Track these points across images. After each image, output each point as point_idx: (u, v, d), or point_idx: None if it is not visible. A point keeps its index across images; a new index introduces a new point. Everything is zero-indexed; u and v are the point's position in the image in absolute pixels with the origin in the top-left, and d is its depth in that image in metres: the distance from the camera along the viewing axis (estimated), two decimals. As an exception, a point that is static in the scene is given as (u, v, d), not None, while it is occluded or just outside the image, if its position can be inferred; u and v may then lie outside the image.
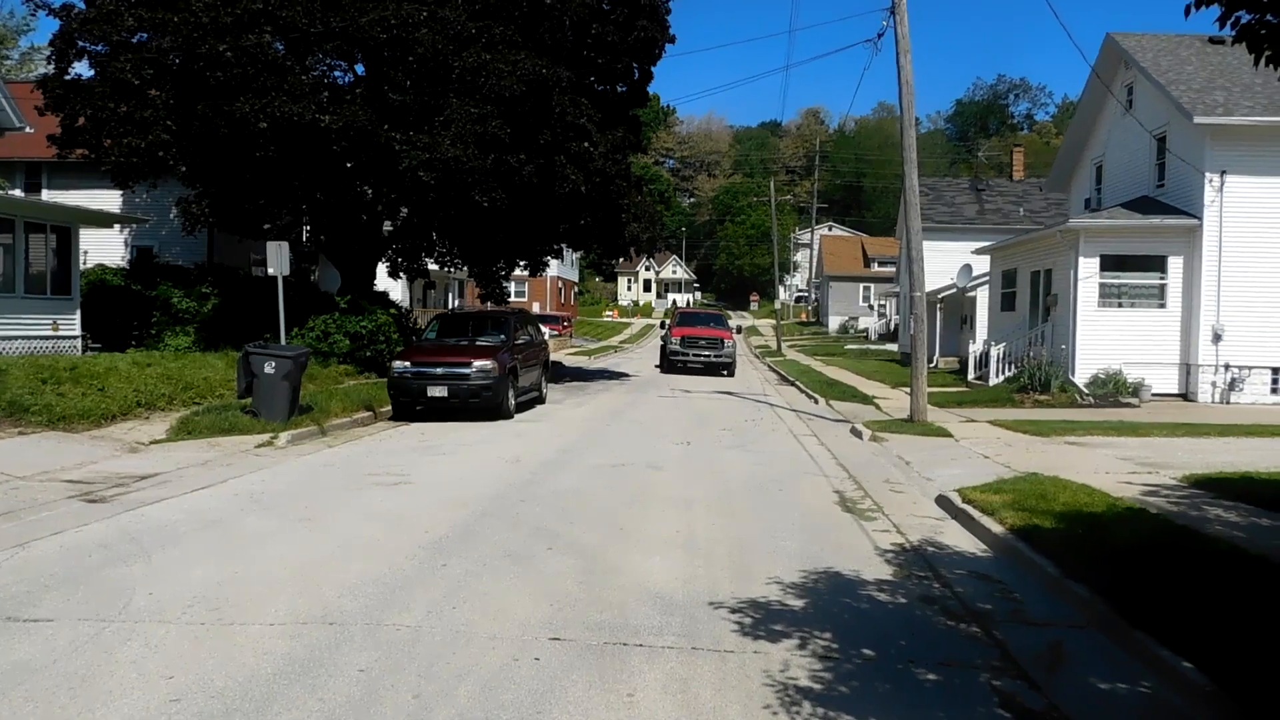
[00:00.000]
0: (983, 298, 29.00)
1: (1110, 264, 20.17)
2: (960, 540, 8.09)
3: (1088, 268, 20.03)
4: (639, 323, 77.40)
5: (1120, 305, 20.27)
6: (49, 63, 20.70)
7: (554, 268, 53.23)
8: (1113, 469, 11.00)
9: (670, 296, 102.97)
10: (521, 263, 26.86)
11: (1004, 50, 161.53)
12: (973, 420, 16.54)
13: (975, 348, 25.48)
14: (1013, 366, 22.34)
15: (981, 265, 28.41)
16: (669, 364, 30.25)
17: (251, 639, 5.22)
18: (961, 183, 42.10)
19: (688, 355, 29.62)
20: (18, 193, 25.87)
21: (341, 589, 6.15)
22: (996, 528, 7.94)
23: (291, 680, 4.65)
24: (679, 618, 5.75)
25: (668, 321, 35.17)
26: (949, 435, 14.53)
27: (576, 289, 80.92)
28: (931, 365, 24.81)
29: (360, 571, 6.60)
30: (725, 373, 29.02)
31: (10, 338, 17.68)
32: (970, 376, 24.50)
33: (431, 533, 7.85)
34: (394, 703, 4.41)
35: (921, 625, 5.81)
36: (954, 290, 30.19)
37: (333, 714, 4.27)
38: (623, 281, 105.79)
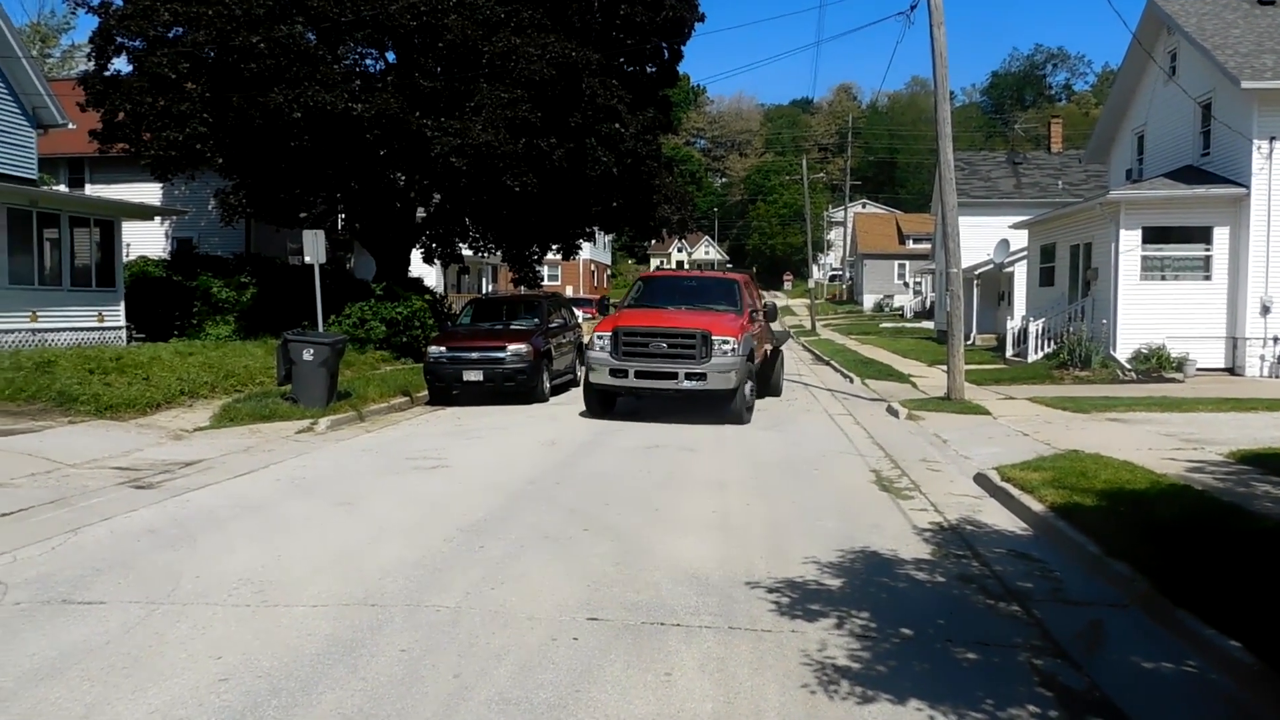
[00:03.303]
0: (1020, 273, 28.63)
1: (1153, 236, 19.81)
2: (999, 519, 8.03)
3: (1129, 240, 19.69)
4: (673, 304, 77.21)
5: (1163, 278, 19.91)
6: (89, 59, 21.03)
7: (586, 251, 53.24)
8: (1156, 445, 10.85)
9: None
10: (554, 246, 26.89)
11: (1041, 19, 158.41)
12: (1011, 398, 16.37)
13: (1013, 324, 25.18)
14: (1052, 343, 22.05)
15: (1019, 240, 28.03)
16: (596, 399, 14.51)
17: (295, 620, 5.32)
18: (998, 156, 41.49)
19: (627, 376, 13.74)
20: (62, 188, 26.37)
21: (382, 571, 6.24)
22: (1036, 506, 7.88)
23: (335, 660, 4.74)
24: (715, 598, 5.78)
25: (612, 303, 20.14)
26: (987, 413, 14.40)
27: (609, 272, 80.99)
28: (968, 342, 24.59)
29: (400, 554, 6.69)
30: (726, 414, 13.70)
31: (58, 330, 18.06)
32: (1008, 353, 24.23)
33: (469, 515, 7.93)
34: (435, 682, 4.48)
35: (960, 604, 5.78)
36: (991, 266, 29.83)
37: (375, 693, 4.35)
38: (654, 264, 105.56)
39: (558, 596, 5.76)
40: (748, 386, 13.88)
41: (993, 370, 21.22)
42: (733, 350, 13.53)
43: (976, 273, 30.53)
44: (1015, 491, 8.44)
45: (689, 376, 13.40)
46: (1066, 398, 15.71)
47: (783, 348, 19.20)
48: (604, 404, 14.62)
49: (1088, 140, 30.60)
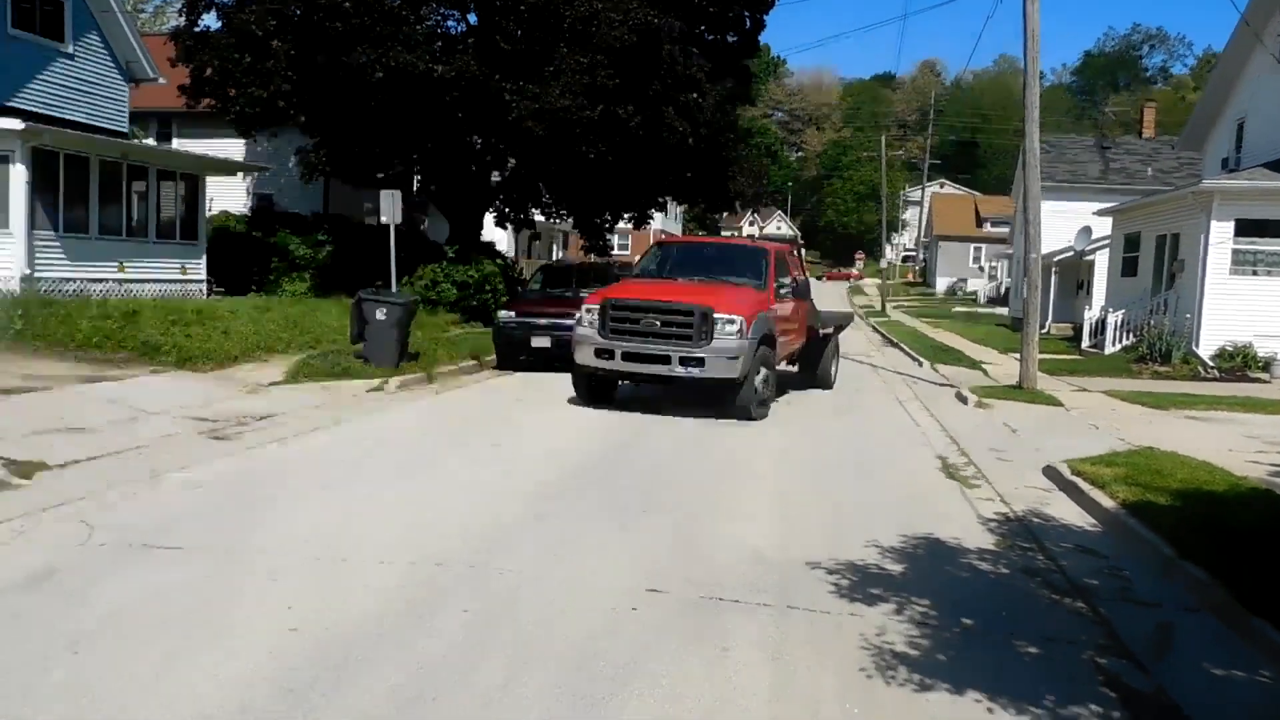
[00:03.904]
0: (1101, 262, 27.82)
1: (1247, 229, 19.06)
2: (1067, 513, 7.88)
3: (1220, 232, 18.99)
4: (741, 278, 76.74)
5: (1255, 273, 19.18)
6: (180, 15, 21.56)
7: (658, 221, 52.92)
8: (1237, 446, 10.51)
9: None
10: (626, 215, 26.87)
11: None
12: (1085, 390, 15.98)
13: (1091, 314, 24.54)
14: (1131, 335, 21.45)
15: (1102, 228, 27.22)
16: (584, 384, 12.49)
17: (363, 576, 5.46)
18: (1085, 140, 40.22)
19: (613, 358, 11.75)
20: (151, 142, 27.10)
21: (447, 533, 6.37)
22: (1107, 502, 7.70)
23: (400, 618, 4.86)
24: (775, 577, 5.78)
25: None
26: (1059, 404, 14.09)
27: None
28: (1043, 331, 24.00)
29: (465, 517, 6.81)
30: (731, 409, 11.71)
31: (143, 281, 18.63)
32: (1084, 344, 23.63)
33: (533, 482, 8.03)
34: (497, 645, 4.57)
35: (1024, 597, 5.70)
36: (1071, 254, 29.05)
37: (440, 652, 4.45)
38: (726, 236, 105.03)
39: (618, 567, 5.81)
40: (760, 376, 11.73)
41: (1067, 361, 20.73)
42: (739, 331, 11.41)
43: (1055, 259, 29.75)
44: (1085, 486, 8.26)
45: (684, 361, 11.37)
46: (1144, 392, 15.29)
47: (843, 332, 17.28)
48: (593, 390, 12.36)
49: (1182, 127, 29.47)
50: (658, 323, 11.59)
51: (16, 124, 15.91)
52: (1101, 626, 5.27)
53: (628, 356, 11.64)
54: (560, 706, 4.00)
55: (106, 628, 4.59)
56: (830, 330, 15.93)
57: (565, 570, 5.71)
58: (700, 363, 11.35)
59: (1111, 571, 6.29)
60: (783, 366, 14.62)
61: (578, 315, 12.26)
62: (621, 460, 9.15)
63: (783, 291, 13.03)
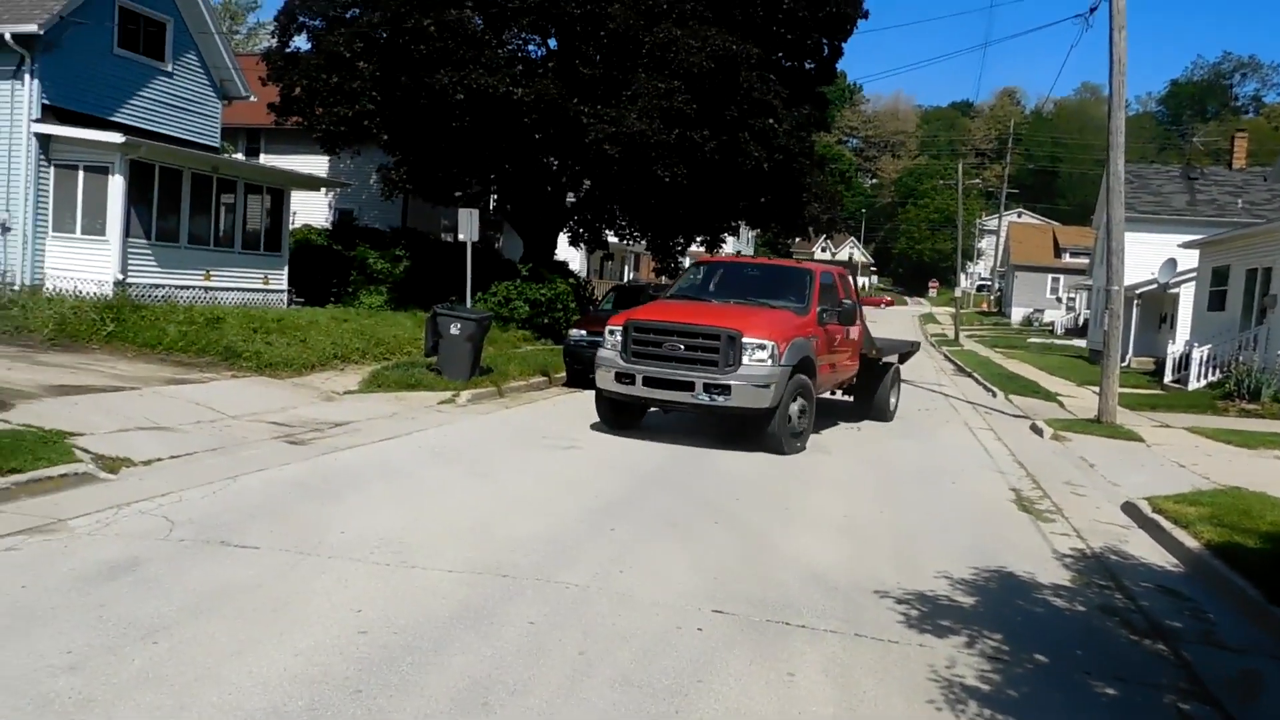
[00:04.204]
0: (1187, 295, 26.97)
1: (1342, 265, 18.32)
2: (1147, 552, 7.62)
3: (1314, 268, 18.27)
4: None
5: (1350, 311, 18.41)
6: (272, 36, 22.33)
7: (730, 245, 53.01)
8: (1329, 489, 10.05)
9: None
10: (699, 238, 26.93)
11: (1232, 24, 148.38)
12: (1167, 425, 15.47)
13: (1175, 348, 23.78)
14: (1217, 371, 20.72)
15: (1187, 260, 26.42)
16: (608, 407, 11.81)
17: (430, 583, 5.52)
18: (1171, 170, 39.13)
19: (634, 383, 11.02)
20: (239, 156, 28.01)
21: (513, 544, 6.41)
22: (1190, 542, 7.43)
23: (466, 625, 4.90)
24: (842, 602, 5.69)
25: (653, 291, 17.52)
26: (1139, 439, 13.66)
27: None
28: (1124, 364, 23.33)
29: (531, 528, 6.85)
30: (762, 441, 10.92)
31: (227, 289, 19.22)
32: (1167, 379, 22.90)
33: (599, 497, 8.06)
34: (560, 656, 4.58)
35: (1100, 636, 5.52)
36: (1154, 286, 28.22)
37: (503, 661, 4.48)
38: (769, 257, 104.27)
39: (683, 585, 5.79)
40: (796, 406, 10.90)
41: (1148, 395, 20.11)
42: (770, 357, 10.55)
43: (1138, 292, 28.94)
44: (1167, 525, 7.99)
45: (709, 389, 10.53)
46: (1230, 430, 14.74)
47: (909, 361, 16.17)
48: (618, 414, 11.75)
49: (1276, 157, 28.51)
50: (681, 346, 10.82)
51: (117, 137, 16.61)
52: (1183, 670, 5.08)
53: (649, 382, 10.88)
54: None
55: (184, 620, 4.72)
56: (891, 359, 15.17)
57: (628, 585, 5.71)
58: (726, 390, 10.49)
59: (1194, 614, 6.06)
60: (837, 396, 14.55)
61: (603, 336, 11.70)
62: (687, 476, 9.13)
63: (827, 316, 12.03)
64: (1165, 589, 6.58)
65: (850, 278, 14.10)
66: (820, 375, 11.85)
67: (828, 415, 13.77)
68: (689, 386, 10.65)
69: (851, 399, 14.72)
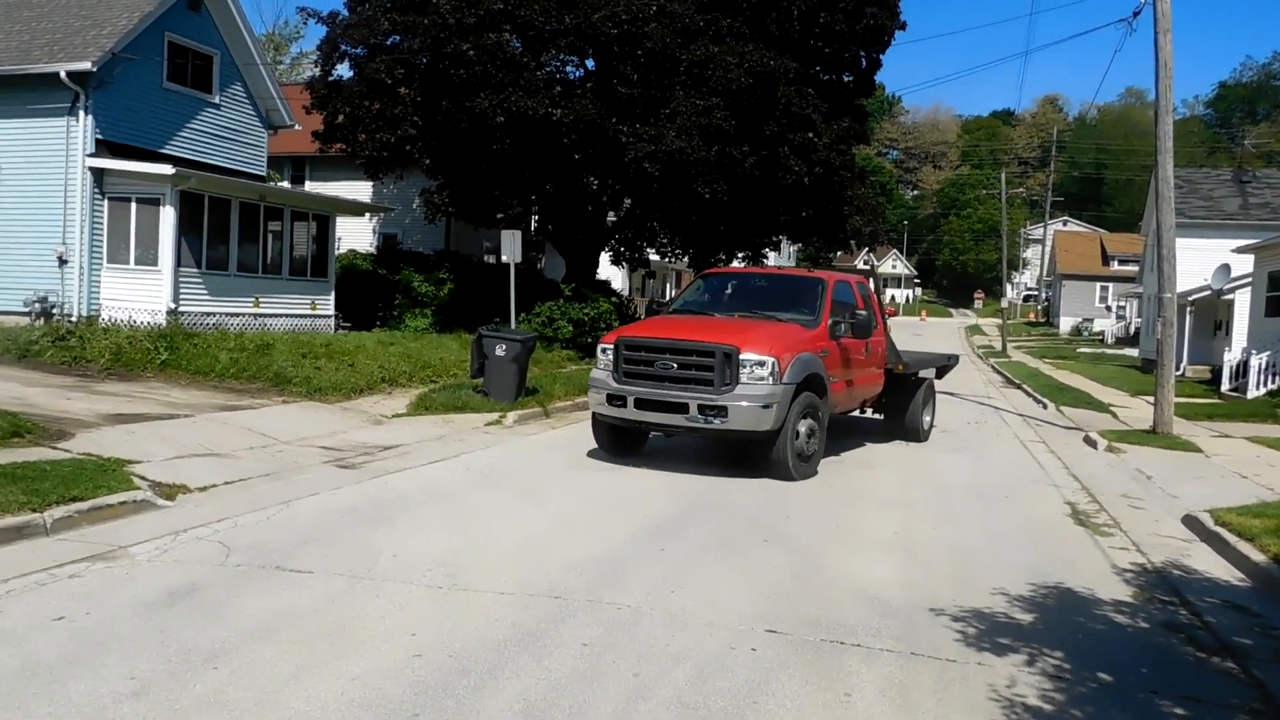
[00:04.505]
0: (1242, 301, 26.36)
1: (1404, 267, 17.81)
2: (1211, 566, 7.43)
3: (1375, 271, 17.79)
4: (854, 318, 75.61)
5: None
6: (315, 65, 22.74)
7: (771, 260, 52.93)
8: (1400, 499, 9.74)
9: (889, 292, 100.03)
10: (740, 254, 26.91)
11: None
12: (1226, 435, 15.11)
13: (1231, 356, 23.26)
14: (1277, 379, 20.22)
15: (1242, 265, 25.84)
16: (604, 432, 11.10)
17: (484, 606, 5.54)
18: (1222, 174, 38.38)
19: (625, 405, 10.23)
20: (285, 184, 28.55)
21: (565, 565, 6.41)
22: (1257, 555, 7.23)
23: (520, 648, 4.90)
24: (897, 621, 5.61)
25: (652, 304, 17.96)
26: (1198, 450, 13.36)
27: (791, 282, 80.00)
28: (1178, 373, 22.86)
29: (582, 549, 6.85)
30: (767, 468, 10.13)
31: (276, 315, 19.55)
32: (1224, 387, 22.39)
33: (649, 517, 8.04)
34: (615, 678, 4.56)
35: (1165, 654, 5.38)
36: (1208, 292, 27.63)
37: (557, 684, 4.47)
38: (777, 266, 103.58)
39: (736, 605, 5.74)
40: (804, 426, 10.04)
41: (1205, 405, 19.66)
42: (771, 375, 9.70)
43: (1191, 298, 28.35)
44: (1231, 538, 7.78)
45: (704, 410, 9.69)
46: (1293, 439, 14.36)
47: (947, 375, 15.39)
48: (617, 440, 10.98)
49: (1330, 159, 27.83)
50: (674, 365, 9.98)
51: (167, 169, 17.01)
52: (1256, 689, 4.93)
53: (641, 404, 10.04)
54: (679, 744, 3.96)
55: (242, 644, 4.77)
56: (926, 374, 14.26)
57: (680, 605, 5.67)
58: (722, 412, 9.64)
59: (1264, 630, 5.89)
60: (867, 414, 13.71)
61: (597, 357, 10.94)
62: (733, 495, 9.07)
63: (841, 328, 11.12)
64: (1232, 604, 6.40)
65: (870, 286, 13.20)
66: (834, 393, 10.92)
67: (853, 435, 13.54)
68: (682, 408, 9.82)
69: (883, 417, 13.84)
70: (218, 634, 4.90)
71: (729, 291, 12.57)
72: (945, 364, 15.71)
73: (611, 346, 10.49)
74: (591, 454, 11.24)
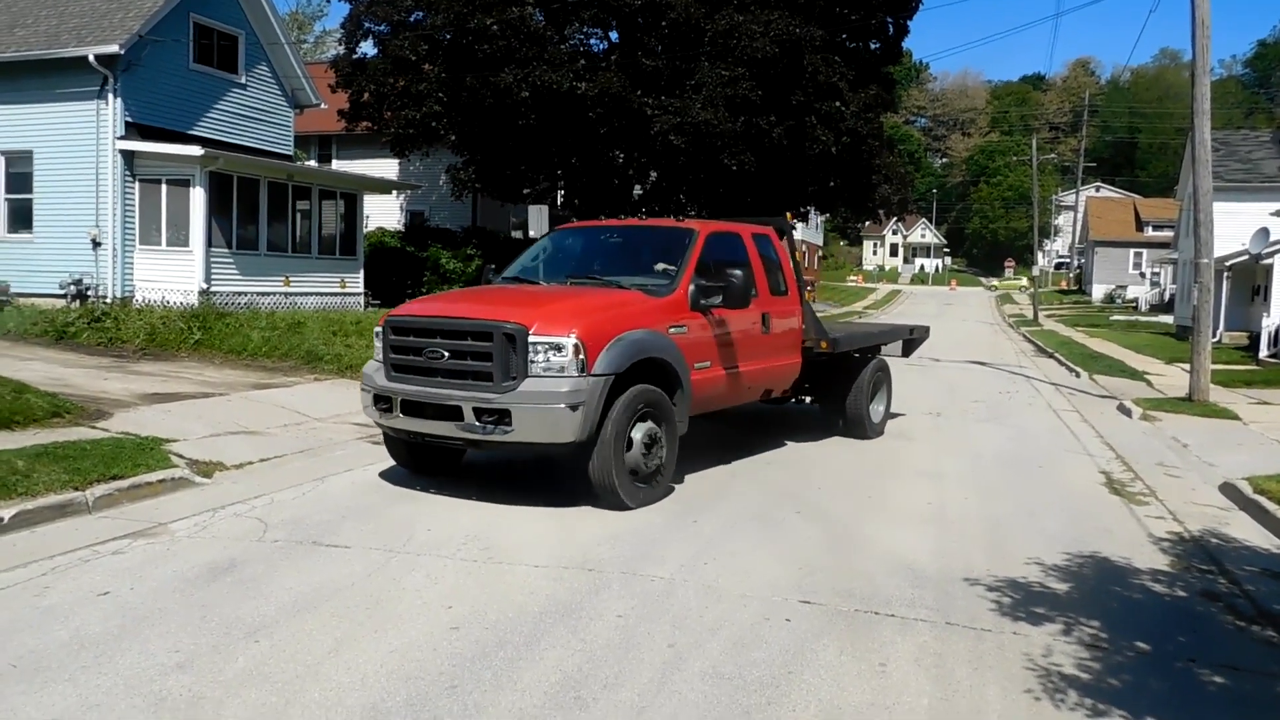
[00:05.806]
0: (1281, 266, 25.88)
1: None
2: (1250, 534, 7.34)
3: None
4: (884, 288, 75.16)
5: None
6: (339, 44, 22.79)
7: (799, 231, 52.59)
8: None
9: (918, 262, 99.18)
10: (767, 225, 26.74)
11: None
12: (1266, 403, 14.90)
13: (1270, 321, 22.88)
14: (1316, 344, 19.87)
15: (1281, 229, 25.34)
16: (393, 444, 8.23)
17: (519, 578, 5.59)
18: (1260, 135, 37.58)
19: (392, 409, 7.44)
20: (312, 163, 28.66)
21: (598, 538, 6.45)
22: (1297, 523, 7.14)
23: (556, 620, 4.95)
24: (931, 591, 5.60)
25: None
26: (1236, 417, 13.18)
27: (820, 253, 79.63)
28: (1215, 340, 22.51)
29: (614, 523, 6.88)
30: (594, 490, 7.27)
31: (306, 294, 19.70)
32: (1262, 354, 22.05)
33: (680, 489, 8.05)
34: (650, 649, 4.60)
35: (1204, 623, 5.34)
36: (1245, 257, 27.13)
37: (594, 655, 4.51)
38: (868, 245, 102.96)
39: (769, 577, 5.76)
40: (639, 433, 7.33)
41: (1243, 372, 19.38)
42: (573, 362, 6.93)
43: (1228, 264, 27.86)
44: (1271, 505, 7.69)
45: (480, 414, 6.96)
46: (1333, 406, 14.13)
47: (909, 353, 12.77)
48: (415, 454, 8.13)
49: (1372, 118, 27.16)
50: (445, 353, 7.24)
51: (196, 150, 17.13)
52: (1296, 657, 4.89)
53: (408, 408, 7.36)
54: (715, 713, 3.99)
55: (282, 619, 4.85)
56: (867, 352, 11.34)
57: (714, 577, 5.70)
58: (505, 418, 6.90)
59: (1304, 597, 5.83)
60: (806, 403, 11.31)
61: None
62: (763, 467, 9.06)
63: (708, 296, 8.26)
64: (1272, 572, 6.33)
65: (776, 241, 10.15)
66: (703, 384, 8.24)
67: (777, 432, 11.08)
68: (455, 413, 7.08)
69: (818, 406, 11.35)
70: (258, 608, 4.99)
71: (578, 252, 9.79)
72: (911, 338, 12.67)
73: (380, 330, 7.87)
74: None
